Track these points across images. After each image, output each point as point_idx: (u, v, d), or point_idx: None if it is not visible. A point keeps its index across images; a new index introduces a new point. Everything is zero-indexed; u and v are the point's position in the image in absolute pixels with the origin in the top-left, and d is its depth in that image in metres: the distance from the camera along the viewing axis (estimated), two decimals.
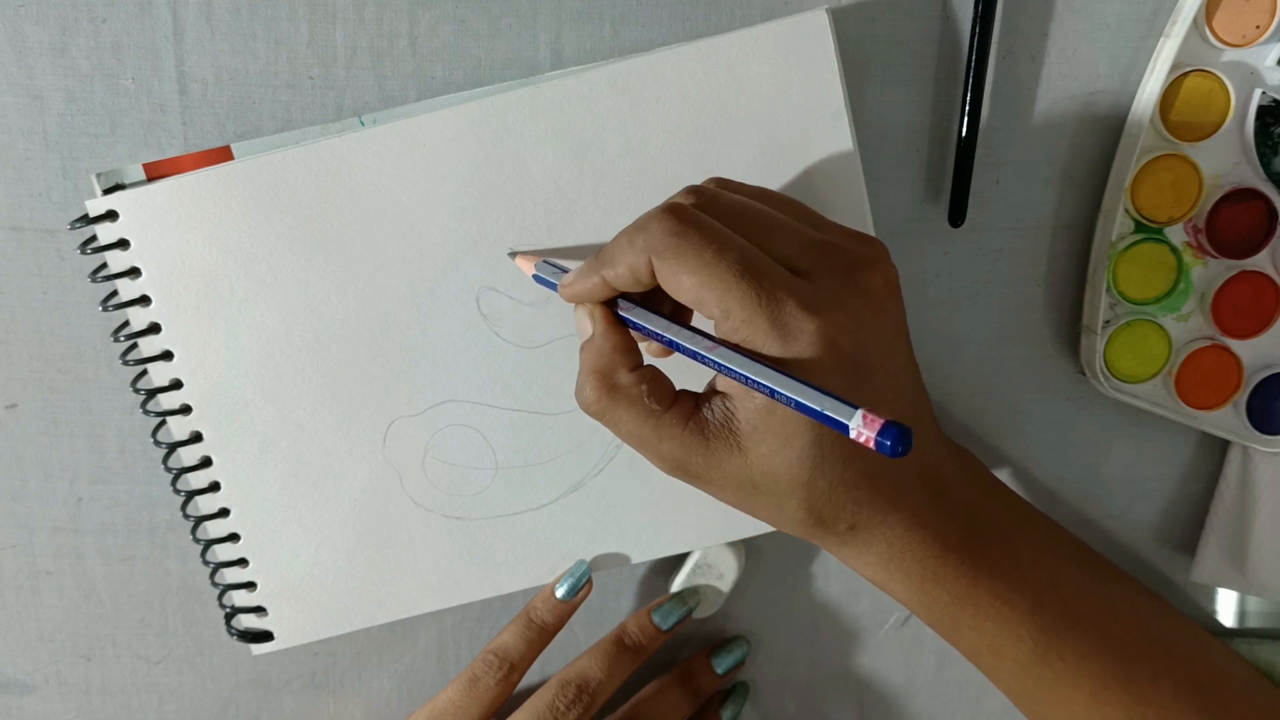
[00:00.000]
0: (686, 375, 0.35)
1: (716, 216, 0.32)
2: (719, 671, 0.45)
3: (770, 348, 0.31)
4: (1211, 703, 0.38)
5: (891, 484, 0.34)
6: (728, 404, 0.33)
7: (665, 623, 0.44)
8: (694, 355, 0.32)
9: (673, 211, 0.32)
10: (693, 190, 0.34)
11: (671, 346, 0.33)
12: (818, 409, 0.29)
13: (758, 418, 0.32)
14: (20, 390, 0.43)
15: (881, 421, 0.27)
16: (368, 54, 0.41)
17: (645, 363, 0.35)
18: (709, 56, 0.39)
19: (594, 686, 0.42)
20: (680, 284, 0.32)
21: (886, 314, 0.34)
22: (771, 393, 0.30)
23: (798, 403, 0.29)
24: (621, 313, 0.35)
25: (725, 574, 0.45)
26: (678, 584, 0.45)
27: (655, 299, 0.35)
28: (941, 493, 0.36)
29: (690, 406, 0.34)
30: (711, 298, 0.31)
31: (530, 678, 0.44)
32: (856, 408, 0.28)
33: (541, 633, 0.43)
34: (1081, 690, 0.37)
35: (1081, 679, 0.37)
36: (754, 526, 0.41)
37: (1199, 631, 0.41)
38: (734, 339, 0.32)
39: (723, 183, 0.36)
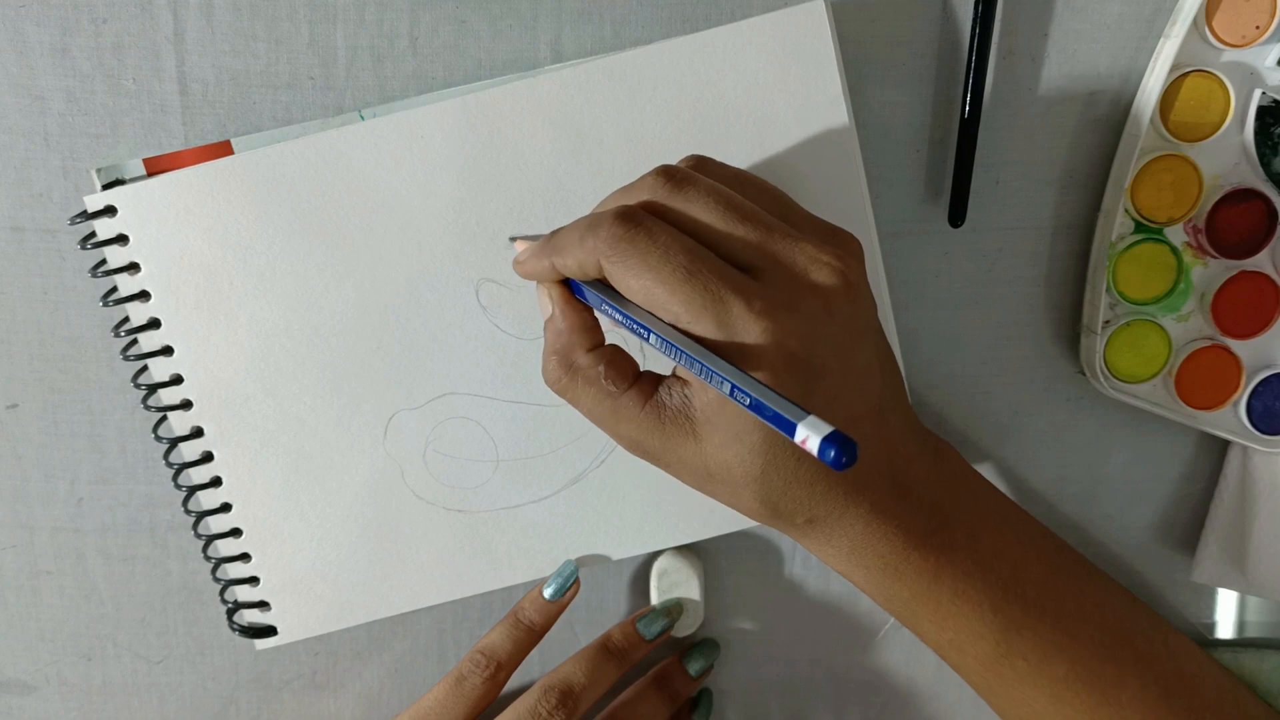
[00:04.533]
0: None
1: (680, 207, 0.33)
2: (692, 674, 0.45)
3: (719, 350, 0.31)
4: (1177, 707, 0.38)
5: (850, 479, 0.34)
6: (686, 391, 0.33)
7: (649, 631, 0.44)
8: (647, 338, 0.32)
9: (622, 217, 0.32)
10: (662, 173, 0.34)
11: (626, 327, 0.33)
12: (770, 408, 0.29)
13: (712, 409, 0.33)
14: (21, 390, 0.43)
15: (826, 430, 0.27)
16: (368, 54, 0.41)
17: (608, 341, 0.35)
18: (706, 47, 0.39)
19: (577, 692, 0.42)
20: (629, 287, 0.32)
21: (838, 313, 0.33)
22: (721, 382, 0.30)
23: (752, 399, 0.29)
24: (583, 289, 0.35)
25: (689, 579, 0.45)
26: (654, 597, 0.45)
27: None
28: (907, 487, 0.36)
29: (650, 389, 0.34)
30: (658, 302, 0.32)
31: (531, 676, 0.44)
32: (807, 413, 0.28)
33: (529, 632, 0.43)
34: (1042, 690, 0.37)
35: (1042, 680, 0.37)
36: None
37: (1172, 634, 0.40)
38: None
39: (700, 163, 0.36)
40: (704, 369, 0.30)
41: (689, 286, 0.31)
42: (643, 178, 0.34)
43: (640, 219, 0.32)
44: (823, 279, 0.33)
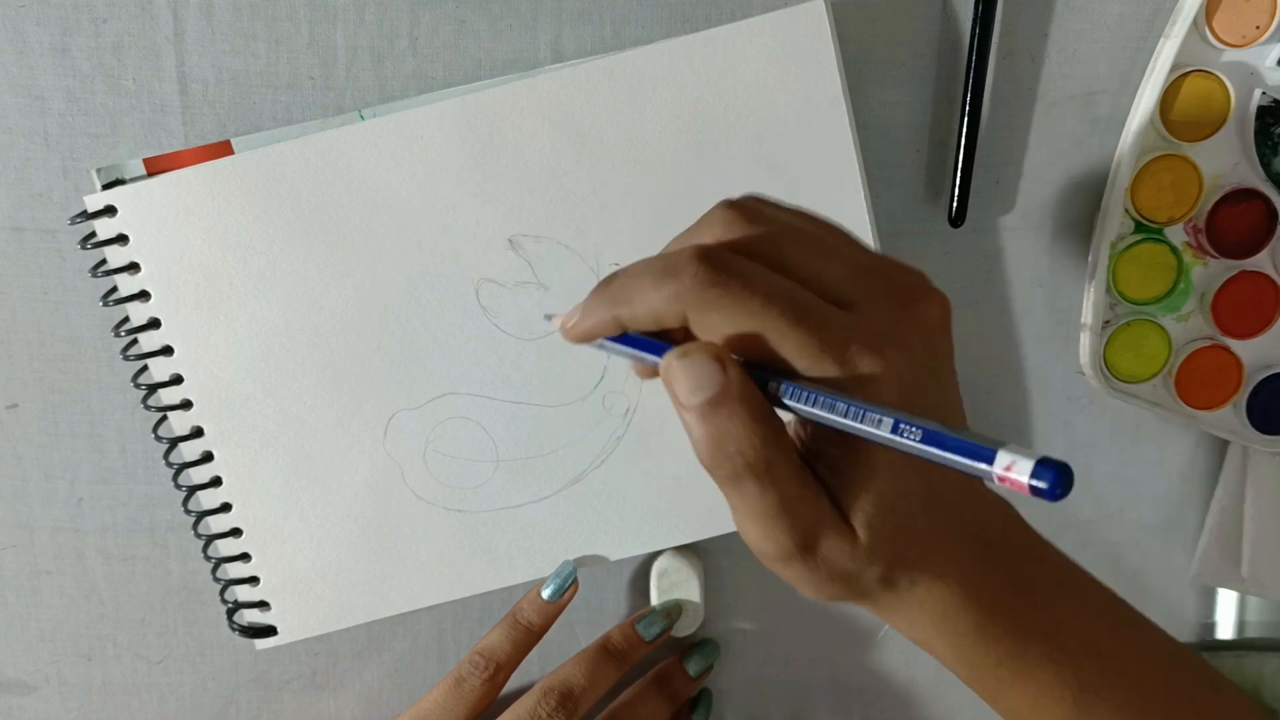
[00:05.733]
0: None
1: (765, 246, 0.30)
2: (691, 674, 0.46)
3: (846, 391, 0.28)
4: None
5: (949, 533, 0.32)
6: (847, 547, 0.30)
7: (648, 633, 0.44)
8: (851, 429, 0.27)
9: (709, 259, 0.28)
10: (733, 207, 0.30)
11: (829, 425, 0.28)
12: (957, 441, 0.25)
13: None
14: (21, 390, 0.43)
15: (1036, 455, 0.23)
16: (368, 54, 0.41)
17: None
18: (706, 47, 0.39)
19: (577, 694, 0.42)
20: (723, 335, 0.28)
21: (939, 347, 0.31)
22: (909, 430, 0.26)
23: (946, 439, 0.25)
24: (785, 399, 0.29)
25: (689, 580, 0.45)
26: (654, 597, 0.45)
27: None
28: (990, 548, 0.33)
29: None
30: (762, 352, 0.29)
31: (531, 677, 0.44)
32: (1001, 441, 0.24)
33: (528, 633, 0.43)
34: None
35: None
36: None
37: (1222, 683, 0.39)
38: None
39: (760, 201, 0.32)
40: (896, 424, 0.26)
41: (800, 333, 0.28)
42: (710, 213, 0.31)
43: (728, 260, 0.29)
44: (924, 310, 0.31)
